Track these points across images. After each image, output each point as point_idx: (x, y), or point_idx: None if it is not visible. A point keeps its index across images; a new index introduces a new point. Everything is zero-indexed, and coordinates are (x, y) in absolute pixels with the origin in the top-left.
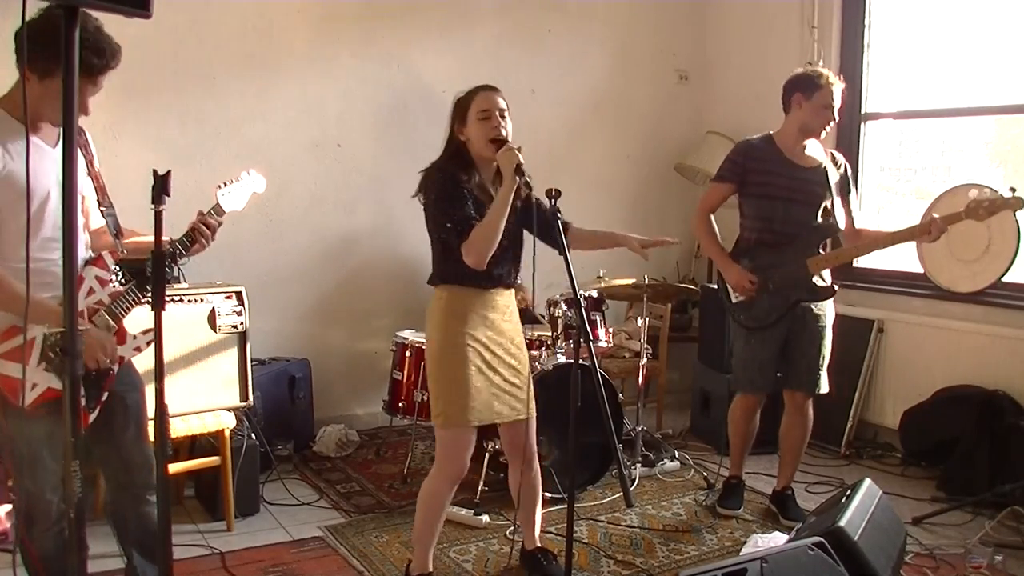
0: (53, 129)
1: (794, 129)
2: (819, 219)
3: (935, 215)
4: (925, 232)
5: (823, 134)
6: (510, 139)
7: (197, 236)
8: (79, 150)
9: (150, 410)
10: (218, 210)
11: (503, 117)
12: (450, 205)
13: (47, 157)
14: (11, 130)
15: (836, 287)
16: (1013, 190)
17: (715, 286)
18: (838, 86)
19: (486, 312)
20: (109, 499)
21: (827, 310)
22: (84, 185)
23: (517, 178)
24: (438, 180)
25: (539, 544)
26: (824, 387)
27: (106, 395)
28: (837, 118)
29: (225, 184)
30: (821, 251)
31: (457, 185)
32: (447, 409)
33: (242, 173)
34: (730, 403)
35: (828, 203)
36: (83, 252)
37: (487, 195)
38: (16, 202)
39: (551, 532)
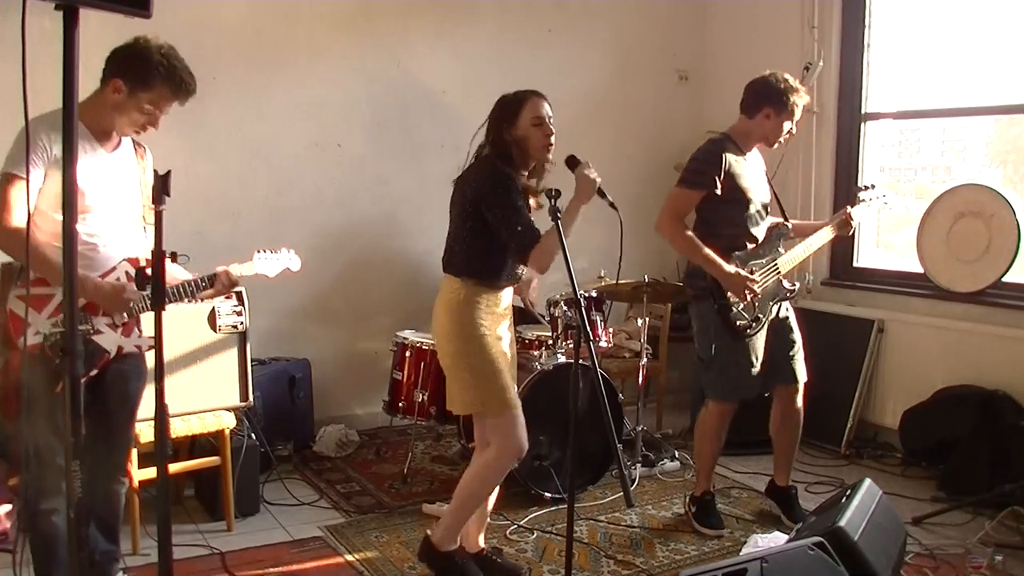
0: (114, 139)
1: (752, 133)
2: (768, 214)
3: (848, 207)
4: (844, 225)
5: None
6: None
7: (217, 284)
8: (137, 160)
9: (141, 410)
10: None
11: (550, 122)
12: (519, 210)
13: (100, 159)
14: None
15: (797, 284)
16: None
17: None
18: (803, 100)
19: (493, 308)
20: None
21: (786, 305)
22: (143, 193)
23: (598, 197)
24: (502, 181)
25: (483, 545)
26: (803, 374)
27: (95, 372)
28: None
29: (263, 251)
30: (782, 250)
31: (518, 189)
32: (496, 398)
33: (282, 249)
34: None
35: (774, 199)
36: (126, 249)
37: (533, 199)
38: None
39: (551, 532)
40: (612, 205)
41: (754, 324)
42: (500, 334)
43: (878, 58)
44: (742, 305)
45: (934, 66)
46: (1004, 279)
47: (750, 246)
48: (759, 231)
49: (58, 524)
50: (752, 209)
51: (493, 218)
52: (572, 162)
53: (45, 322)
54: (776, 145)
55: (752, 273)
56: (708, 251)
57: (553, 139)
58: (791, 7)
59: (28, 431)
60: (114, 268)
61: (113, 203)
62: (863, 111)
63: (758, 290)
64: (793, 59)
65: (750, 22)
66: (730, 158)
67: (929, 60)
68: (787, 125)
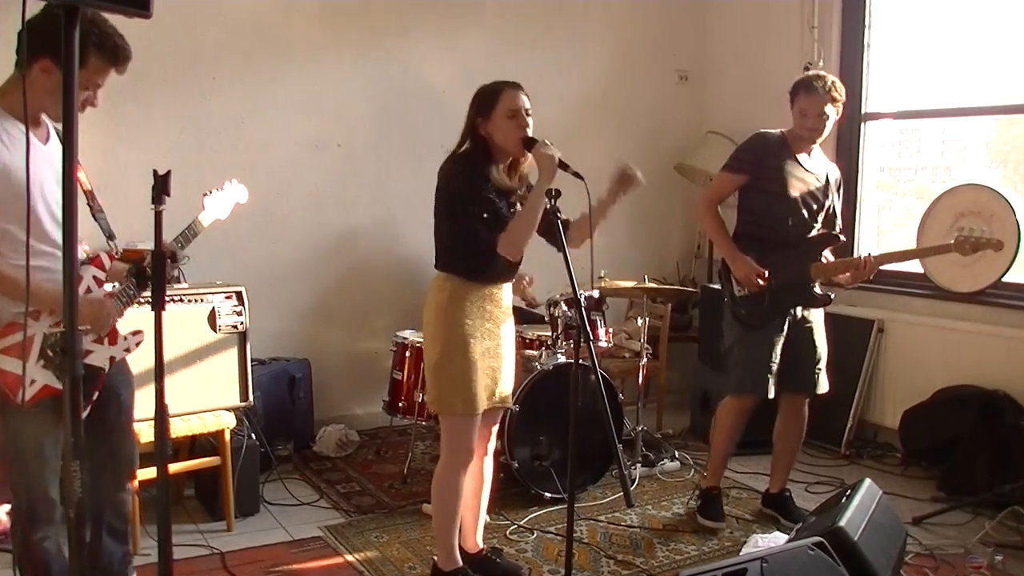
0: (43, 127)
1: (795, 133)
2: (821, 225)
3: (870, 253)
4: (855, 266)
5: (819, 139)
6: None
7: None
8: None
9: (141, 410)
10: (195, 228)
11: (527, 115)
12: (482, 198)
13: (39, 153)
14: (8, 125)
15: (832, 296)
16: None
17: (717, 286)
18: (825, 93)
19: (484, 304)
20: (87, 485)
21: (815, 313)
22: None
23: (560, 171)
24: (467, 172)
25: (482, 546)
26: (824, 386)
27: (97, 394)
28: (820, 126)
29: (212, 192)
30: (824, 259)
31: (485, 178)
32: (454, 400)
33: (225, 183)
34: None
35: (829, 210)
36: (79, 253)
37: (505, 188)
38: (8, 196)
39: (551, 532)
40: (577, 175)
41: (762, 318)
42: (493, 333)
43: (878, 58)
44: (744, 292)
45: (934, 66)
46: (1004, 279)
47: (782, 241)
48: (800, 229)
49: (49, 549)
50: (793, 208)
51: (464, 213)
52: (529, 143)
53: (35, 367)
54: (817, 135)
55: (768, 268)
56: (725, 237)
57: (529, 131)
58: (791, 7)
59: (26, 477)
60: (80, 279)
61: (56, 200)
62: (863, 111)
63: (760, 283)
64: (793, 59)
65: (750, 22)
66: (772, 150)
67: (929, 60)
68: (801, 111)
